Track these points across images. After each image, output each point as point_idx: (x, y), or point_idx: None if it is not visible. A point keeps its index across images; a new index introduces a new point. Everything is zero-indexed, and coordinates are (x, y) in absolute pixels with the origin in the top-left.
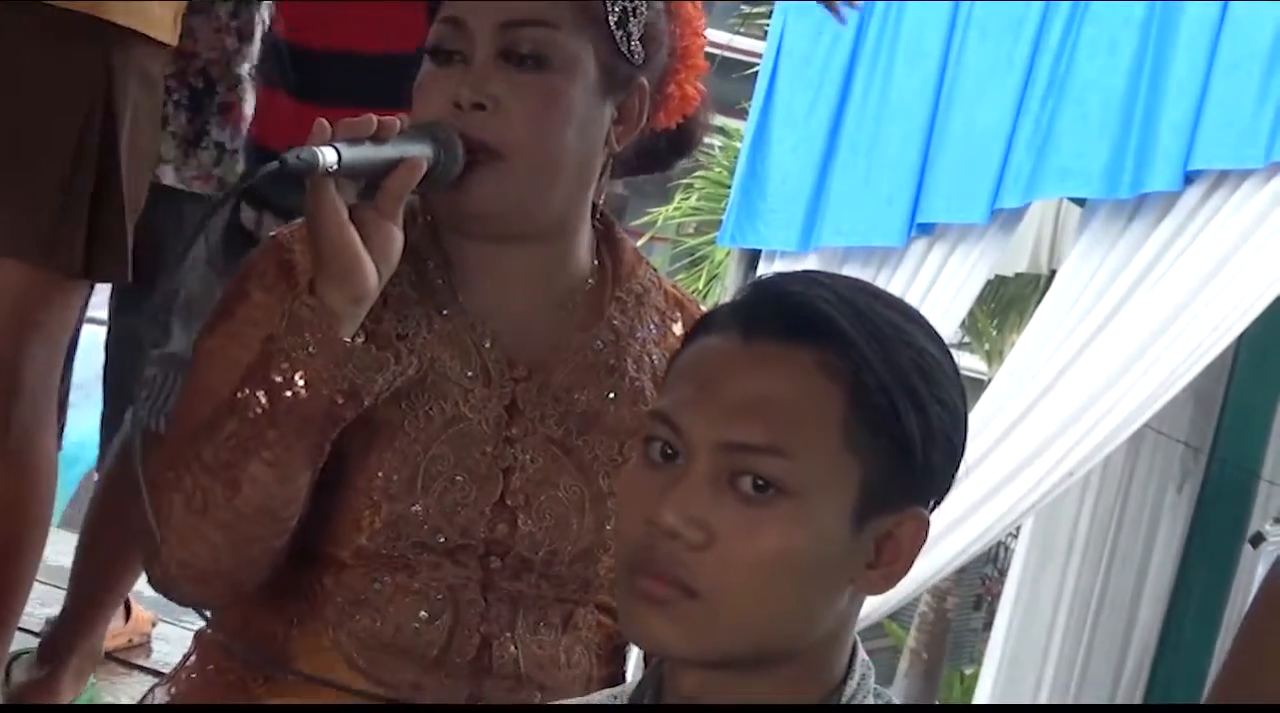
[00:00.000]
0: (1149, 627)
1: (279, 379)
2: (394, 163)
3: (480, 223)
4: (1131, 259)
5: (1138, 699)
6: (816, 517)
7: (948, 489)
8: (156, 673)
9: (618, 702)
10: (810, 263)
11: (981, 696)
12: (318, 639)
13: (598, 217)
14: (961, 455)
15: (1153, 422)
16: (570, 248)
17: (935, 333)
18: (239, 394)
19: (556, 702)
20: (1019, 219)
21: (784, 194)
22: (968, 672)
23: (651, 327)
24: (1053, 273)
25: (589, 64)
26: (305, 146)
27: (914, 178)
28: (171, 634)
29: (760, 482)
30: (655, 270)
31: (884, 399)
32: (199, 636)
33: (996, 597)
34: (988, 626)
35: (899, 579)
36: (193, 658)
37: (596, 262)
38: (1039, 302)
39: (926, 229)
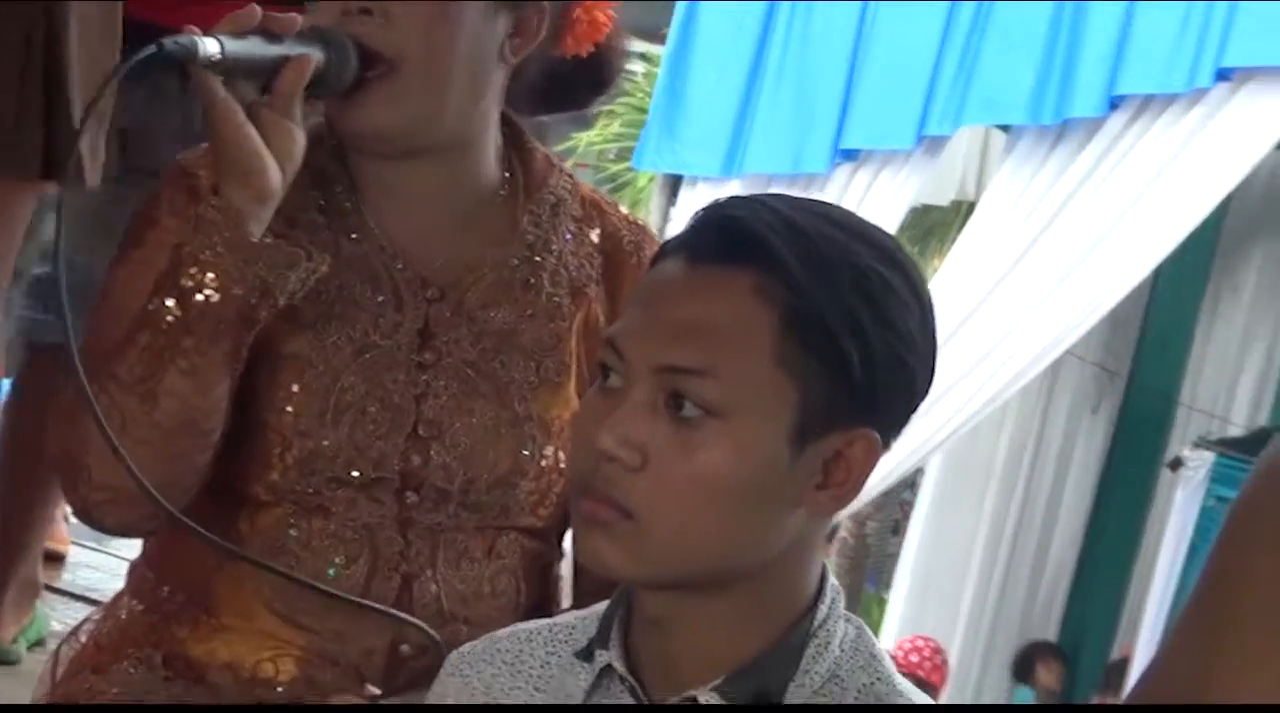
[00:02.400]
0: (1066, 549)
1: (189, 284)
2: (283, 60)
3: (377, 139)
4: (1055, 186)
5: (1054, 622)
6: (750, 438)
7: (907, 412)
8: (94, 602)
9: (585, 622)
10: (733, 189)
11: (892, 618)
12: (239, 584)
13: (505, 126)
14: (922, 380)
15: (1071, 346)
16: (475, 161)
17: (896, 257)
18: (150, 305)
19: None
20: (944, 146)
21: (706, 119)
22: (886, 596)
23: (567, 236)
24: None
25: None
26: (185, 35)
27: (839, 104)
28: (100, 562)
29: (693, 403)
30: (572, 177)
31: (816, 321)
32: (133, 569)
33: (908, 519)
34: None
35: (849, 501)
36: (125, 594)
37: (508, 173)
38: (961, 228)
39: (851, 155)
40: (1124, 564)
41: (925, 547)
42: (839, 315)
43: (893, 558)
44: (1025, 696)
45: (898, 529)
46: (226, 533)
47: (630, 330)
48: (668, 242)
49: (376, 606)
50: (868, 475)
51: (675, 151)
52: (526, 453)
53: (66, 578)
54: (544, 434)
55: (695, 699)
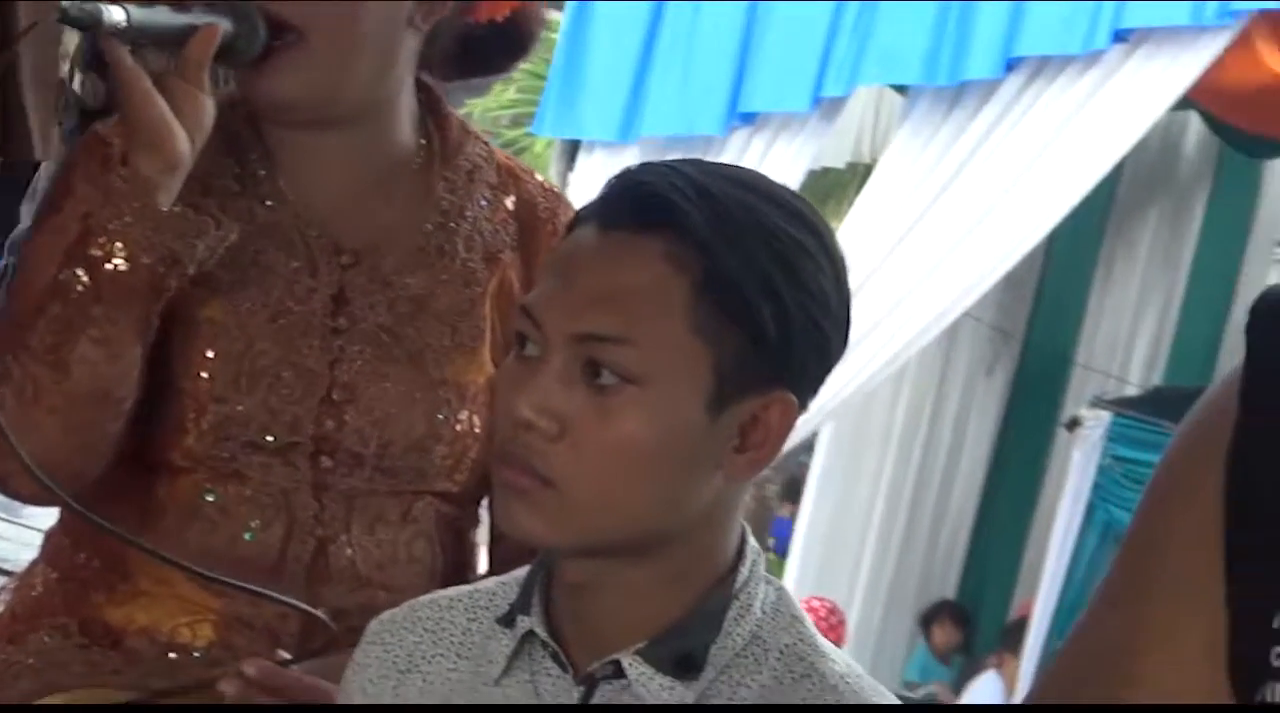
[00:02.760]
0: (964, 509)
1: (98, 253)
2: (190, 29)
3: (286, 108)
4: (952, 148)
5: (952, 581)
6: (667, 404)
7: (822, 374)
8: (5, 573)
9: (506, 588)
10: (632, 153)
11: (788, 581)
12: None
13: (422, 93)
14: (836, 341)
15: (967, 308)
16: (388, 128)
17: (808, 219)
18: (60, 275)
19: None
20: (841, 108)
21: (603, 83)
22: (783, 558)
23: (483, 202)
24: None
25: None
26: (89, 1)
27: (735, 67)
28: (12, 533)
29: (609, 371)
30: (488, 144)
31: (729, 285)
32: (49, 538)
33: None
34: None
35: (767, 463)
36: (40, 563)
37: (423, 140)
38: (858, 191)
39: (748, 118)
40: (1021, 524)
41: (824, 509)
42: (753, 279)
43: (792, 521)
44: (922, 655)
45: (797, 492)
46: (143, 500)
47: (545, 299)
48: (581, 209)
49: (265, 592)
50: (785, 438)
51: (573, 116)
52: (441, 417)
53: None
54: (459, 399)
55: (618, 663)
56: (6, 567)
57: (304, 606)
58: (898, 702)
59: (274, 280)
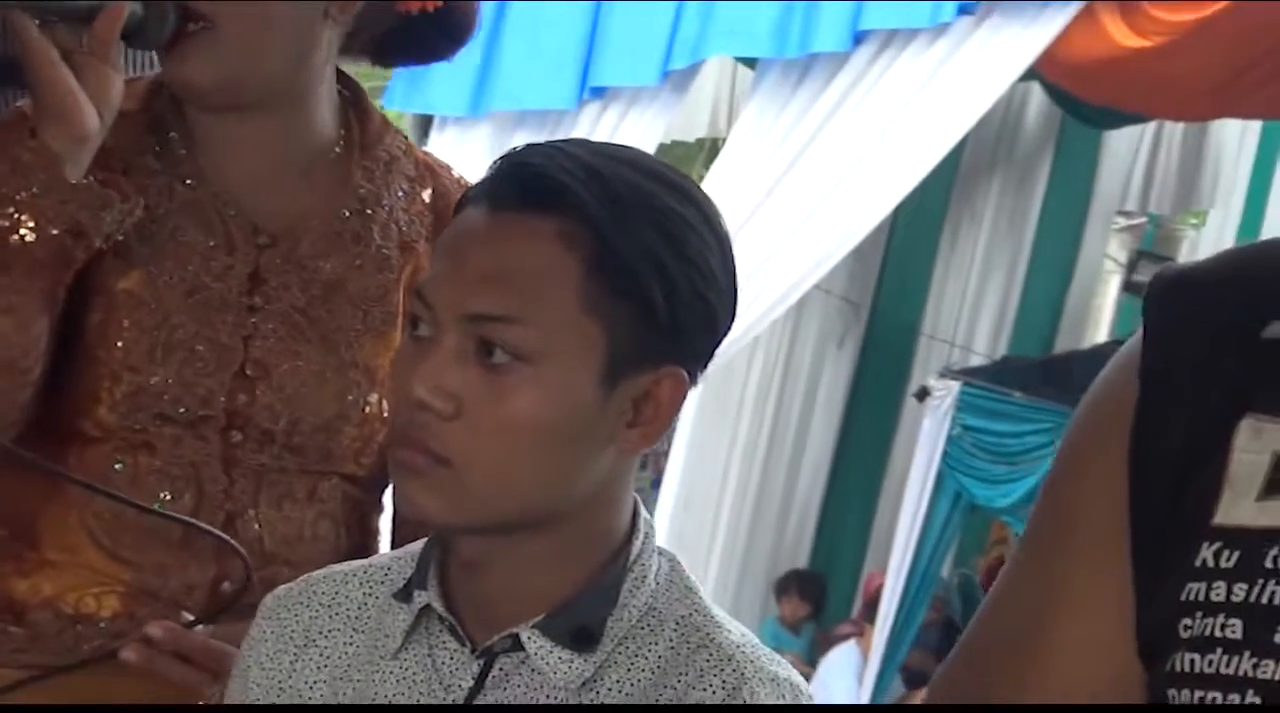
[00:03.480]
0: (815, 478)
1: (5, 224)
2: (98, 8)
3: (196, 93)
4: (801, 121)
5: (805, 545)
6: (561, 381)
7: (710, 348)
8: None
9: (400, 563)
10: (483, 128)
11: None
12: (64, 518)
13: (343, 86)
14: (724, 315)
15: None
16: (306, 116)
17: (693, 195)
18: None
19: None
20: (690, 81)
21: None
22: None
23: (400, 193)
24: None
25: None
26: None
27: (584, 41)
28: None
29: (502, 350)
30: (406, 138)
31: (620, 263)
32: None
33: (665, 455)
34: (656, 485)
35: (659, 437)
36: None
37: (343, 130)
38: (708, 165)
39: (599, 93)
40: (871, 493)
41: (682, 476)
42: (642, 257)
43: (643, 493)
44: (771, 627)
45: (645, 463)
46: None
47: (437, 280)
48: (469, 190)
49: (205, 526)
50: (677, 411)
51: (423, 91)
52: (351, 398)
53: None
54: (369, 381)
55: (516, 637)
56: None
57: (224, 535)
58: (794, 671)
59: (191, 256)
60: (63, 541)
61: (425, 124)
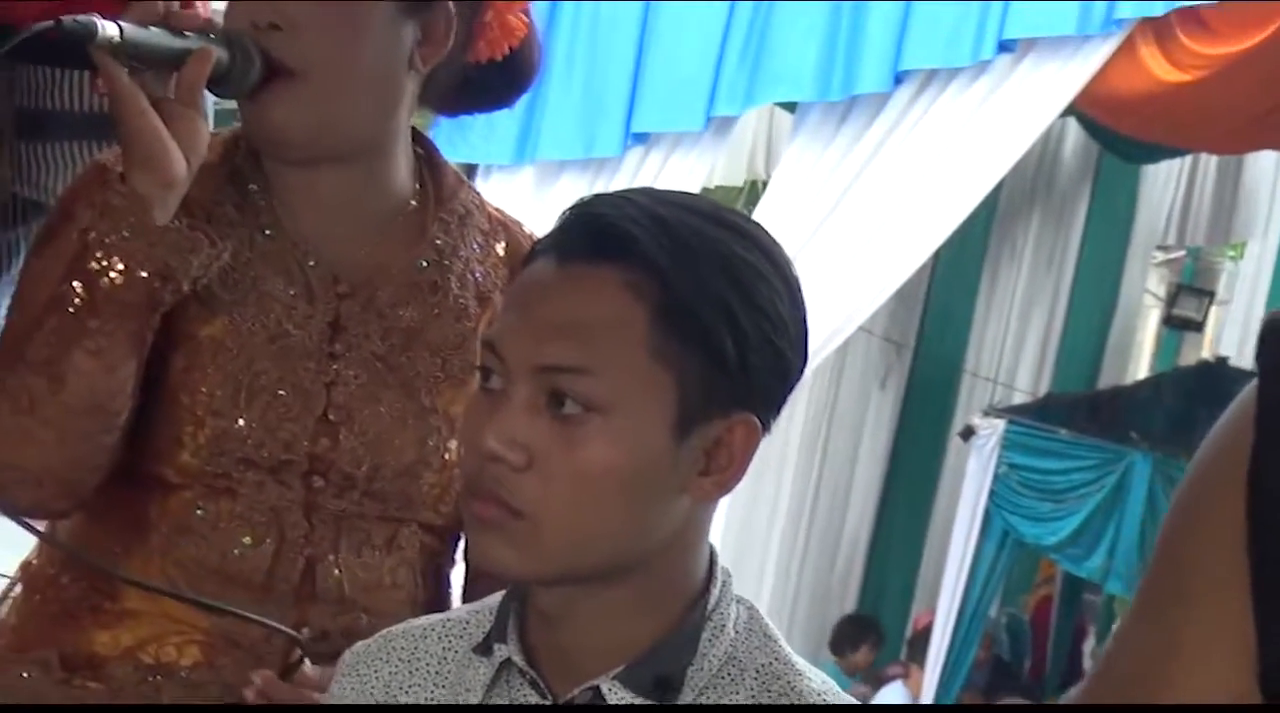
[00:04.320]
0: (861, 521)
1: (96, 267)
2: (186, 53)
3: (281, 144)
4: (843, 163)
5: (853, 590)
6: (633, 431)
7: (783, 393)
8: None
9: (479, 616)
10: (527, 175)
11: None
12: (145, 568)
13: (416, 141)
14: (794, 360)
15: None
16: (385, 170)
17: (761, 242)
18: (58, 290)
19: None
20: (733, 126)
21: None
22: None
23: (475, 246)
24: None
25: None
26: (84, 16)
27: (628, 87)
28: None
29: (574, 401)
30: (479, 193)
31: (688, 311)
32: (25, 567)
33: None
34: None
35: (733, 485)
36: (18, 589)
37: (419, 185)
38: (747, 208)
39: (641, 138)
40: (918, 532)
41: (730, 522)
42: (709, 305)
43: None
44: (830, 669)
45: None
46: (136, 516)
47: (506, 332)
48: (538, 242)
49: (249, 614)
50: (750, 458)
51: (466, 140)
52: (431, 444)
53: None
54: (448, 428)
55: (597, 689)
56: None
57: (284, 628)
58: None
59: (273, 305)
60: (142, 591)
61: (469, 173)
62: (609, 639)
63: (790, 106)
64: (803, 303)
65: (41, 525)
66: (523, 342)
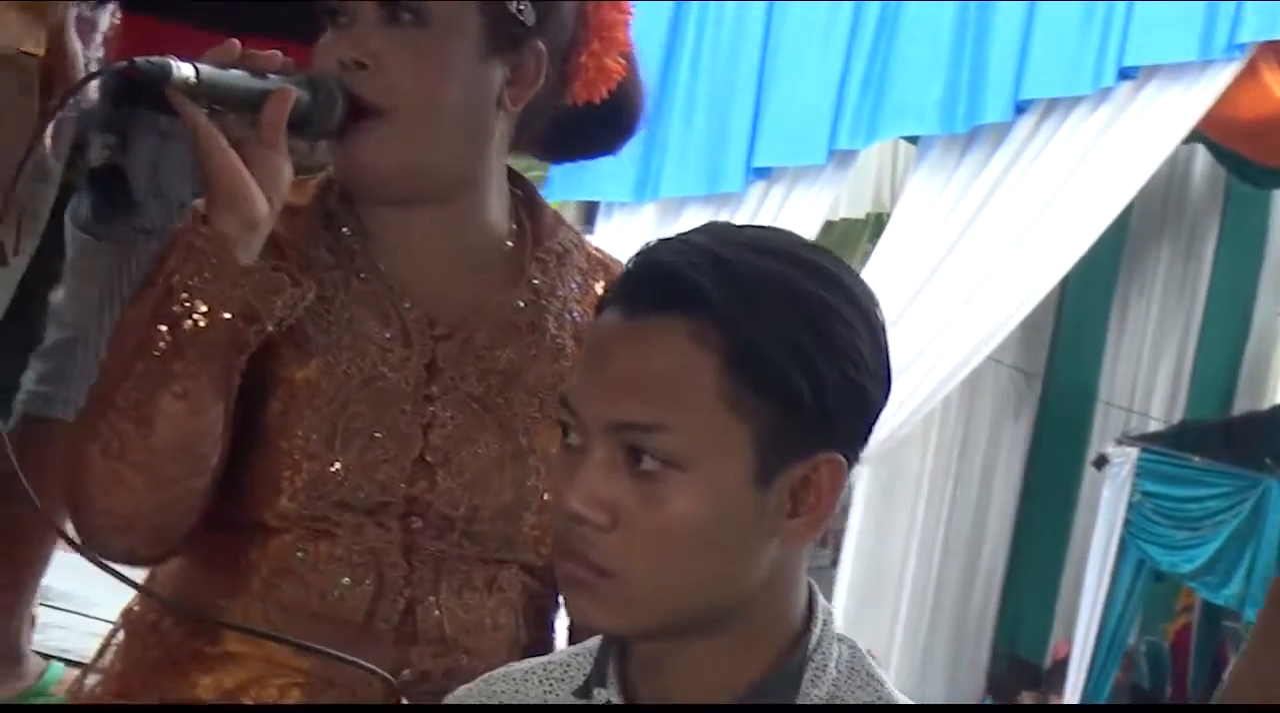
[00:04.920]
0: (996, 552)
1: (179, 310)
2: (265, 94)
3: (372, 185)
4: (966, 193)
5: (989, 625)
6: (713, 483)
7: (866, 429)
8: (76, 663)
9: (579, 659)
10: (649, 212)
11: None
12: (246, 611)
13: (514, 183)
14: (876, 394)
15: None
16: (478, 209)
17: (834, 276)
18: (145, 335)
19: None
20: (854, 159)
21: None
22: None
23: (573, 286)
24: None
25: (472, 21)
26: (159, 58)
27: (749, 124)
28: (71, 622)
29: (651, 457)
30: (577, 232)
31: (757, 357)
32: (126, 614)
33: (841, 533)
34: (834, 563)
35: (824, 524)
36: (120, 636)
37: (515, 225)
38: (871, 240)
39: (764, 173)
40: (1054, 564)
41: (859, 560)
42: (780, 348)
43: (823, 570)
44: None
45: (825, 541)
46: (236, 561)
47: (580, 389)
48: (606, 293)
49: (345, 657)
50: (838, 496)
51: (587, 179)
52: (530, 484)
53: (38, 638)
54: (547, 469)
55: None
56: (68, 657)
57: (378, 670)
58: None
59: (368, 347)
60: (243, 634)
61: (590, 211)
62: (709, 683)
63: (913, 137)
64: (883, 334)
65: (137, 574)
66: (595, 399)
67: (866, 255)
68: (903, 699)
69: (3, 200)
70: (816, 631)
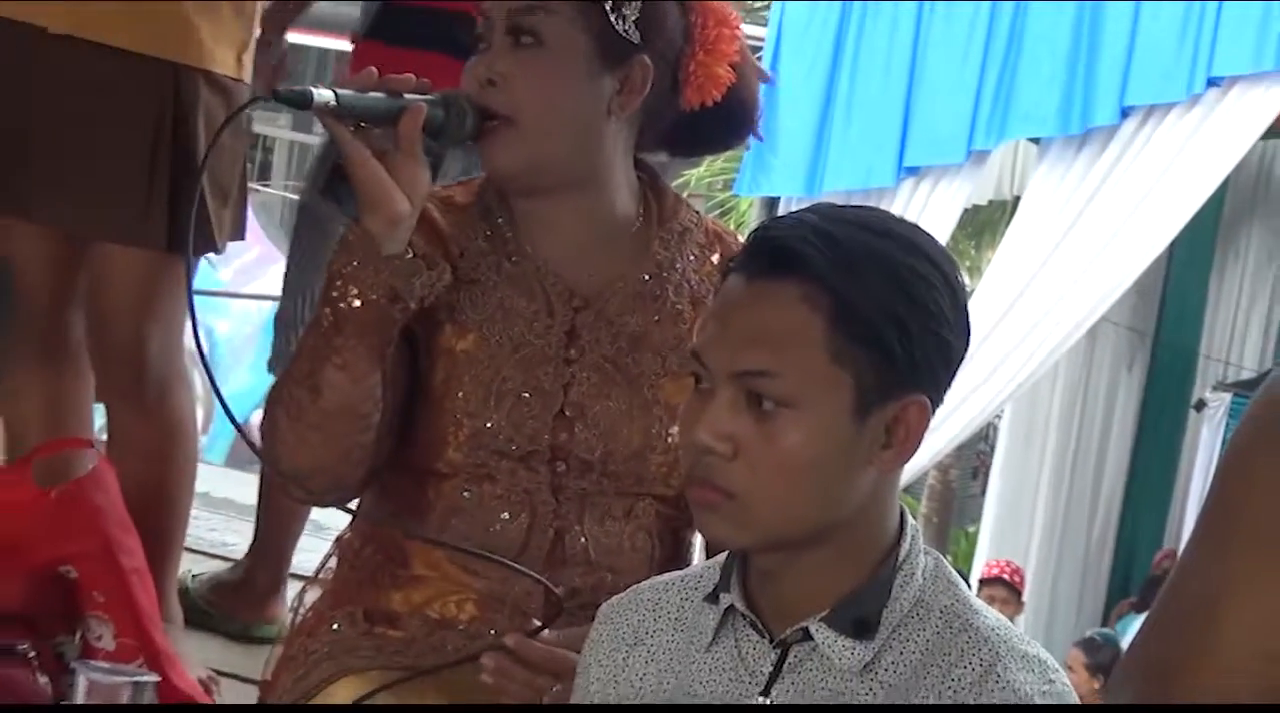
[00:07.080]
0: (1114, 484)
1: (335, 294)
2: (400, 110)
3: (507, 180)
4: (1082, 184)
5: (1109, 547)
6: (819, 420)
7: (949, 374)
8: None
9: (710, 571)
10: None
11: (982, 547)
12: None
13: (641, 171)
14: (958, 345)
15: (1105, 314)
16: (608, 196)
17: (922, 247)
18: (317, 315)
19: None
20: (987, 156)
21: (791, 148)
22: (970, 529)
23: (691, 258)
24: (1016, 199)
25: (583, 42)
26: (301, 87)
27: (899, 129)
28: (312, 544)
29: (768, 398)
30: (698, 213)
31: (858, 317)
32: (338, 541)
33: (989, 468)
34: (983, 491)
35: (910, 455)
36: (333, 560)
37: (642, 208)
38: (1007, 224)
39: (913, 171)
40: (1164, 492)
41: (1005, 486)
42: (876, 309)
43: (974, 498)
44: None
45: (975, 474)
46: (417, 500)
47: (709, 343)
48: (731, 261)
49: (517, 566)
50: (924, 432)
51: (768, 177)
52: (655, 431)
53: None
54: (670, 416)
55: (806, 629)
56: (308, 573)
57: (543, 579)
58: (1043, 650)
59: (517, 320)
60: (427, 559)
61: (772, 204)
62: (816, 589)
63: (1035, 138)
64: (962, 293)
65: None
66: (721, 351)
67: (1001, 236)
68: (975, 601)
69: (221, 194)
70: (906, 545)
